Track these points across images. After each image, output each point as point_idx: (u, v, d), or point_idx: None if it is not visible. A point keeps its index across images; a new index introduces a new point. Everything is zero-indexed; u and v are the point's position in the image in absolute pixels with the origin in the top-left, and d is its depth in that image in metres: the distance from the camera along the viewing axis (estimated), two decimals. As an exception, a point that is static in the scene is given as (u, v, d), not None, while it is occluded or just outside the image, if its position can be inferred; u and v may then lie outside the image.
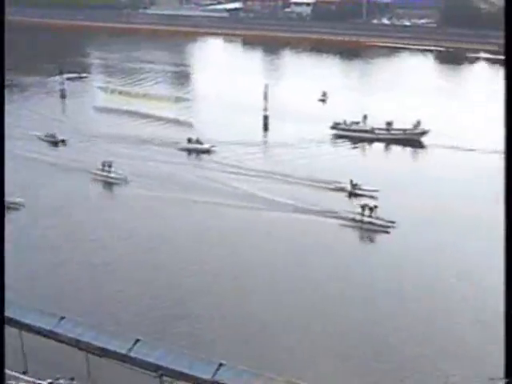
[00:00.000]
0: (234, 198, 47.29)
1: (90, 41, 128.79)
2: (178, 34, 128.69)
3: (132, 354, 26.17)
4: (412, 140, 61.63)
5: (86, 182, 51.79)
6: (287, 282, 35.02)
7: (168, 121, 70.16)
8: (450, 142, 59.68)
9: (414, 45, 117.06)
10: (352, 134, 63.03)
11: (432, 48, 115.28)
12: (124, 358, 26.04)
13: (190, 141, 59.57)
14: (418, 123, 62.28)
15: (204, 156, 58.35)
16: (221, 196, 47.65)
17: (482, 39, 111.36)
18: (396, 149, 61.26)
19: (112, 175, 52.41)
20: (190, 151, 59.24)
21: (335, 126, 64.20)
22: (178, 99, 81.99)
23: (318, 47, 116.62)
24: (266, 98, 71.02)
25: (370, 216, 42.16)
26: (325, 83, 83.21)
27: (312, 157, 57.42)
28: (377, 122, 63.45)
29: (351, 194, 47.50)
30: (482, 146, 58.64)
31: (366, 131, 63.02)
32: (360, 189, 47.39)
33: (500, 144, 57.42)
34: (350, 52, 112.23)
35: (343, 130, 63.71)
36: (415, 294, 32.83)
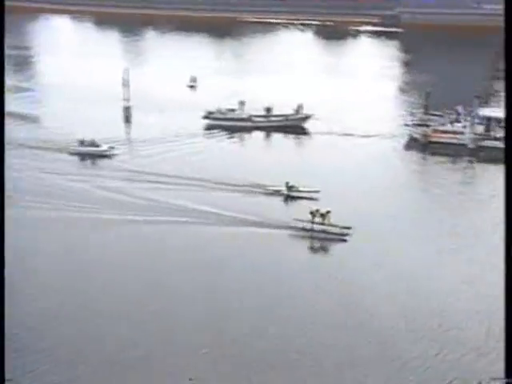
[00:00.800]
0: (156, 211, 44.05)
1: None
2: (14, 11, 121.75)
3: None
4: (294, 126, 62.63)
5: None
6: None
7: (11, 115, 66.02)
8: (335, 128, 61.41)
9: (291, 19, 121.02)
10: (228, 124, 62.74)
11: (311, 22, 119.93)
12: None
13: (82, 143, 55.75)
14: (300, 107, 63.38)
15: (102, 161, 54.60)
16: (133, 210, 44.20)
17: (364, 11, 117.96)
18: (278, 137, 61.98)
19: None
20: (82, 156, 55.41)
21: (208, 116, 63.56)
22: (18, 89, 77.62)
23: (185, 26, 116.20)
24: (126, 85, 69.41)
25: (322, 223, 40.94)
26: (194, 67, 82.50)
27: (194, 154, 55.84)
28: (255, 108, 63.77)
29: (288, 198, 46.88)
30: (368, 130, 60.78)
31: (243, 119, 63.11)
32: (298, 191, 46.64)
33: (387, 128, 60.18)
34: (220, 30, 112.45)
35: (218, 119, 63.30)
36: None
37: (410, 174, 54.25)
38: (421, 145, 58.93)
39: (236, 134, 62.60)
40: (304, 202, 45.84)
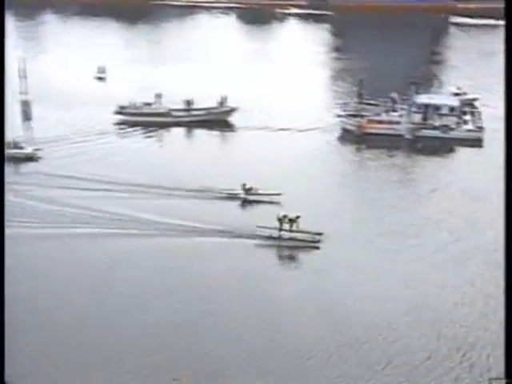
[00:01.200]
0: (95, 223, 42.45)
1: None
2: None
3: None
4: (219, 121, 62.37)
5: None
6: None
7: None
8: (263, 121, 61.68)
9: (212, 2, 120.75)
10: (144, 119, 61.78)
11: (234, 5, 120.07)
12: None
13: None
14: (224, 99, 63.12)
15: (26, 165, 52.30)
16: (65, 222, 42.57)
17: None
18: (202, 134, 61.53)
19: None
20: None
21: (121, 111, 62.36)
22: None
23: (91, 9, 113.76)
24: (23, 76, 66.47)
25: (290, 230, 40.64)
26: (102, 55, 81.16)
27: (115, 155, 54.50)
28: (174, 101, 63.20)
29: (245, 202, 46.25)
30: (300, 123, 61.30)
31: (161, 114, 62.36)
32: (257, 194, 46.15)
33: (320, 120, 60.43)
34: (132, 14, 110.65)
35: (132, 114, 62.23)
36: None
37: (347, 171, 54.87)
38: (355, 137, 59.90)
39: (154, 131, 61.42)
40: (262, 206, 45.71)
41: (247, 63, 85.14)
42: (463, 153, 58.15)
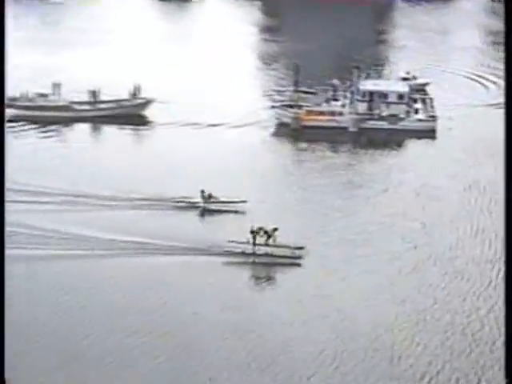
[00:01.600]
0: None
1: None
2: None
3: None
4: (131, 115, 61.60)
5: None
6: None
7: None
8: (187, 115, 61.07)
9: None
10: (39, 114, 60.27)
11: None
12: None
13: None
14: (138, 90, 62.43)
15: None
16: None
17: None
18: (110, 131, 60.81)
19: None
20: None
21: (11, 103, 59.19)
22: None
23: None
24: None
25: (266, 244, 40.59)
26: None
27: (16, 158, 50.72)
28: (75, 90, 62.55)
29: (205, 212, 45.92)
30: (232, 117, 60.76)
31: (60, 108, 61.09)
32: (219, 202, 45.94)
33: (252, 112, 59.90)
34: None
35: (24, 108, 60.54)
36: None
37: (287, 172, 54.47)
38: (293, 131, 59.68)
39: (53, 130, 60.00)
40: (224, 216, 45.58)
41: (164, 47, 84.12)
42: (415, 146, 58.69)
